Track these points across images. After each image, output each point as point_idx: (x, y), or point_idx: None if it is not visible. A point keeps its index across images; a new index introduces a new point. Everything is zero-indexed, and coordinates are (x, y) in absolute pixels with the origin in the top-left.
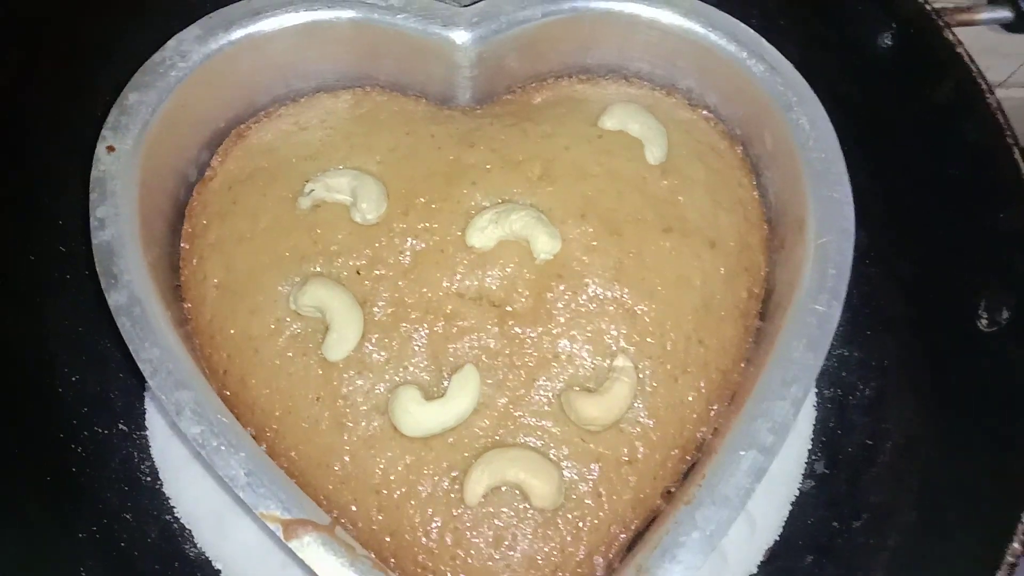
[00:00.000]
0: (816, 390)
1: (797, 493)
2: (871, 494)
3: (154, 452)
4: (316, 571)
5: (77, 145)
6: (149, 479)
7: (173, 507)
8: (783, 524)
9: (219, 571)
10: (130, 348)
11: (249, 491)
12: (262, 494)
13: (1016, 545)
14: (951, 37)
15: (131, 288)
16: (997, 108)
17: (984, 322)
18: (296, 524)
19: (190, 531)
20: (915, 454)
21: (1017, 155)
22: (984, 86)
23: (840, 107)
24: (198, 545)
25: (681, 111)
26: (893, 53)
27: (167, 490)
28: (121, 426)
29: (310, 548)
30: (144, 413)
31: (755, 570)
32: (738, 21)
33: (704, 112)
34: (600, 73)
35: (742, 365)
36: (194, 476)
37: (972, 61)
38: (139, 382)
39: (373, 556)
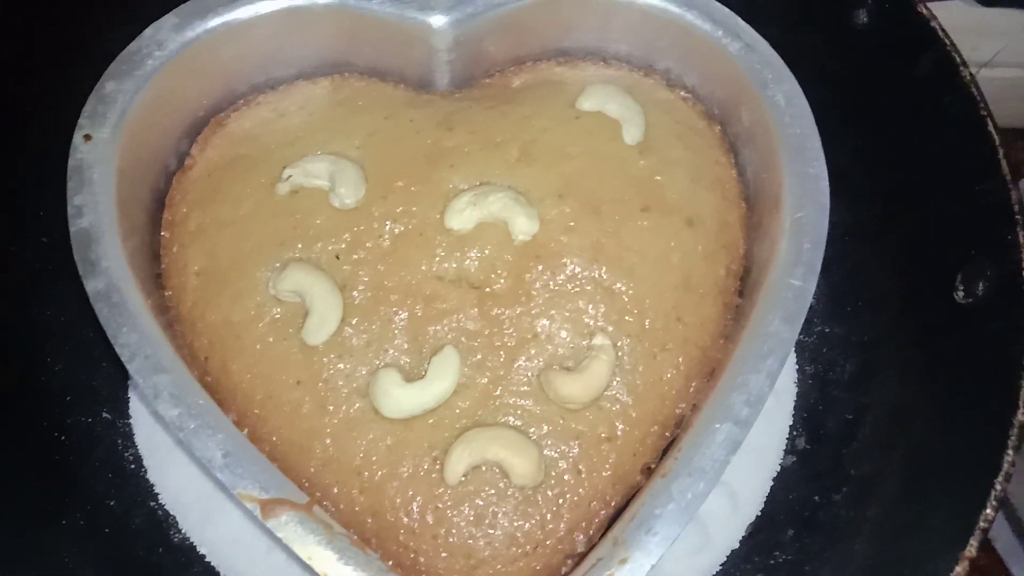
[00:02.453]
0: (797, 366)
1: (779, 468)
2: (852, 467)
3: (138, 440)
4: (294, 550)
5: (58, 136)
6: (133, 466)
7: (158, 494)
8: (765, 499)
9: (204, 556)
10: (108, 333)
11: (227, 472)
12: (240, 474)
13: (989, 511)
14: (925, 12)
15: (109, 275)
16: (971, 81)
17: (960, 294)
18: (274, 503)
19: (175, 517)
20: (896, 427)
21: (991, 127)
22: (959, 60)
23: (821, 85)
24: (183, 531)
25: (659, 92)
26: (870, 29)
27: (151, 477)
28: (105, 414)
29: (287, 527)
30: (128, 401)
31: (737, 545)
32: (714, 0)
33: (682, 93)
34: (579, 56)
35: (721, 342)
36: (178, 463)
37: (946, 35)
38: (123, 371)
39: (354, 535)
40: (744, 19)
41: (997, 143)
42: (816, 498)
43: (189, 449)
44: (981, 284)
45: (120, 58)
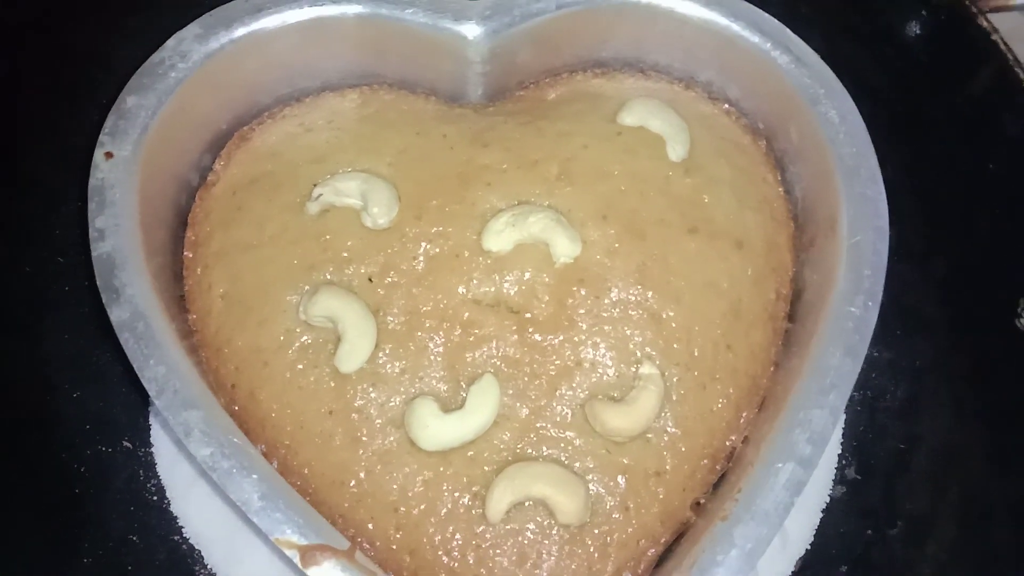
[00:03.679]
0: None
1: (828, 500)
2: (907, 502)
3: (160, 470)
4: None
5: (74, 152)
6: (155, 498)
7: (181, 527)
8: (814, 532)
9: None
10: (134, 366)
11: (264, 516)
12: (277, 519)
13: None
14: (985, 24)
15: (133, 302)
16: None
17: (1023, 321)
18: (314, 550)
19: (199, 552)
20: (952, 461)
21: None
22: (1022, 75)
23: (868, 99)
24: (208, 566)
25: (701, 105)
26: (924, 42)
27: (175, 509)
28: (125, 443)
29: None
30: (149, 429)
31: None
32: (760, 10)
33: (725, 106)
34: (616, 67)
35: (771, 369)
36: (203, 494)
37: (1009, 49)
38: (143, 398)
39: None
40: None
41: None
42: (869, 532)
43: (224, 491)
44: None
45: (141, 71)
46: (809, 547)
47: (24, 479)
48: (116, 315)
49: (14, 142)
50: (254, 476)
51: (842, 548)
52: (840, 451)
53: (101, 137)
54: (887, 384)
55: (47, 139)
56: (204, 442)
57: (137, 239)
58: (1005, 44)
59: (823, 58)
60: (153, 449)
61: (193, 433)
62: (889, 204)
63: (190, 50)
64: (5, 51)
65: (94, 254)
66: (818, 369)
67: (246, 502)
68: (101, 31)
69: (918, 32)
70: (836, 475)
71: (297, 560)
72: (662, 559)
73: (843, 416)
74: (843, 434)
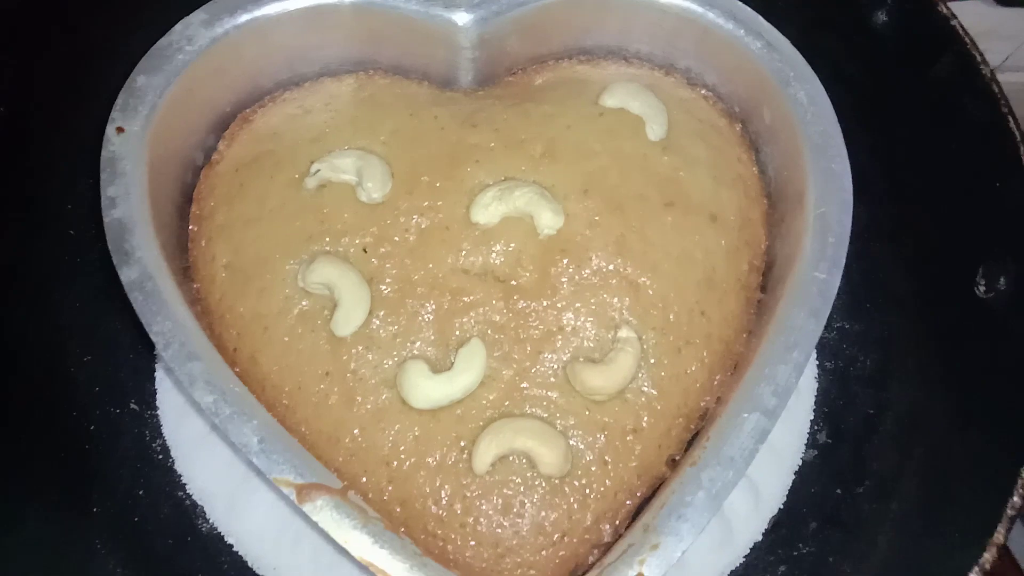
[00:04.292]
0: (817, 362)
1: (800, 463)
2: (874, 462)
3: (165, 431)
4: (330, 533)
5: (84, 130)
6: (160, 457)
7: (185, 484)
8: (786, 493)
9: (231, 546)
10: (142, 321)
11: (263, 457)
12: (275, 460)
13: (1016, 499)
14: (945, 11)
15: (143, 264)
16: (992, 80)
17: (982, 288)
18: (309, 488)
19: (202, 507)
20: (917, 423)
21: (1014, 126)
22: (979, 59)
23: (839, 85)
24: (211, 521)
25: (681, 90)
26: (889, 30)
27: (179, 468)
28: (132, 406)
29: (323, 512)
30: (155, 393)
31: (760, 538)
32: (735, 0)
33: (703, 91)
34: (600, 54)
35: (744, 336)
36: (206, 454)
37: (967, 34)
38: (149, 362)
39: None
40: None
41: (1019, 140)
42: (838, 492)
43: (225, 435)
44: (1002, 279)
45: (151, 53)
46: (782, 507)
47: (38, 436)
48: (126, 275)
49: (30, 120)
50: (254, 421)
51: (813, 507)
52: (812, 417)
53: (113, 113)
54: (857, 354)
55: (61, 118)
56: (207, 390)
57: (146, 207)
58: (963, 29)
59: (797, 46)
60: (159, 411)
61: (197, 382)
62: (859, 185)
63: (196, 34)
64: (26, 41)
65: (106, 220)
66: (783, 329)
67: (246, 445)
68: (115, 21)
69: (884, 20)
70: (808, 439)
71: (293, 497)
72: (639, 511)
73: (815, 385)
74: (815, 401)
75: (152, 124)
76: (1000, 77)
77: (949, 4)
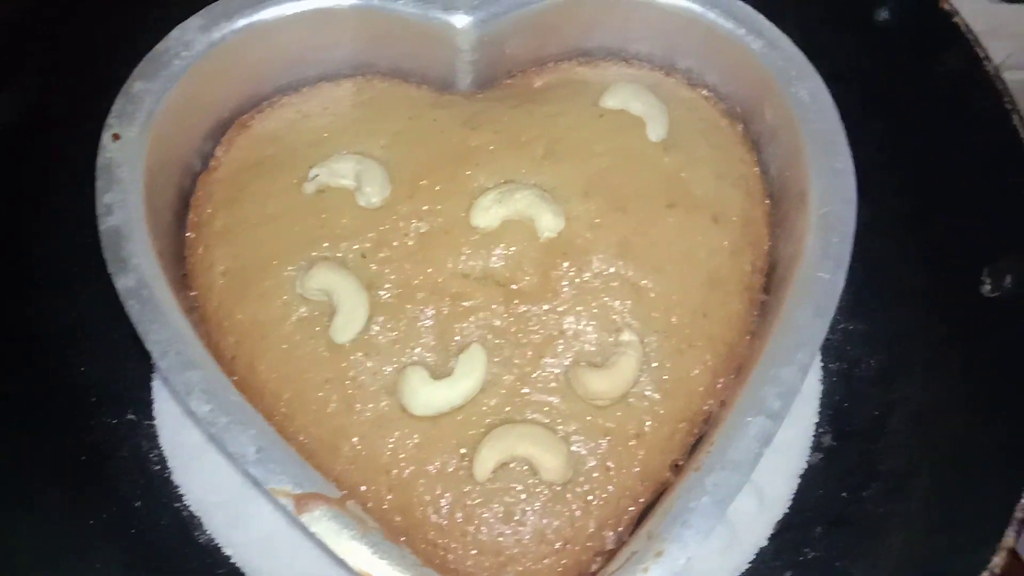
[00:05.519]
0: (822, 364)
1: (805, 466)
2: (881, 464)
3: (162, 441)
4: (328, 545)
5: (85, 137)
6: (158, 468)
7: (183, 495)
8: (792, 497)
9: (229, 557)
10: (138, 331)
11: (259, 467)
12: (272, 470)
13: None
14: (947, 7)
15: (139, 272)
16: (995, 75)
17: (987, 288)
18: (307, 498)
19: (200, 519)
20: (924, 423)
21: (1016, 121)
22: (982, 55)
23: (841, 83)
24: (208, 532)
25: (682, 90)
26: (891, 26)
27: (176, 479)
28: (130, 416)
29: (321, 522)
30: (152, 403)
31: (765, 543)
32: None
33: (704, 91)
34: (600, 56)
35: (748, 338)
36: (203, 465)
37: (969, 30)
38: (146, 372)
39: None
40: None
41: (1023, 136)
42: (844, 495)
43: (221, 445)
44: (1008, 278)
45: (148, 58)
46: (788, 511)
47: (34, 447)
48: (122, 283)
49: (27, 128)
50: (252, 431)
51: (819, 510)
52: (817, 420)
53: (109, 119)
54: (862, 354)
55: (57, 125)
56: (204, 399)
57: (143, 214)
58: (966, 25)
59: (799, 44)
60: (156, 422)
61: (194, 392)
62: (863, 183)
63: (193, 39)
64: (24, 48)
65: (101, 228)
66: (788, 329)
67: (243, 455)
68: (114, 27)
69: (885, 17)
70: (813, 442)
71: (291, 507)
72: (642, 518)
73: (820, 387)
74: (820, 404)
75: (149, 130)
76: (1003, 75)
77: (951, 0)
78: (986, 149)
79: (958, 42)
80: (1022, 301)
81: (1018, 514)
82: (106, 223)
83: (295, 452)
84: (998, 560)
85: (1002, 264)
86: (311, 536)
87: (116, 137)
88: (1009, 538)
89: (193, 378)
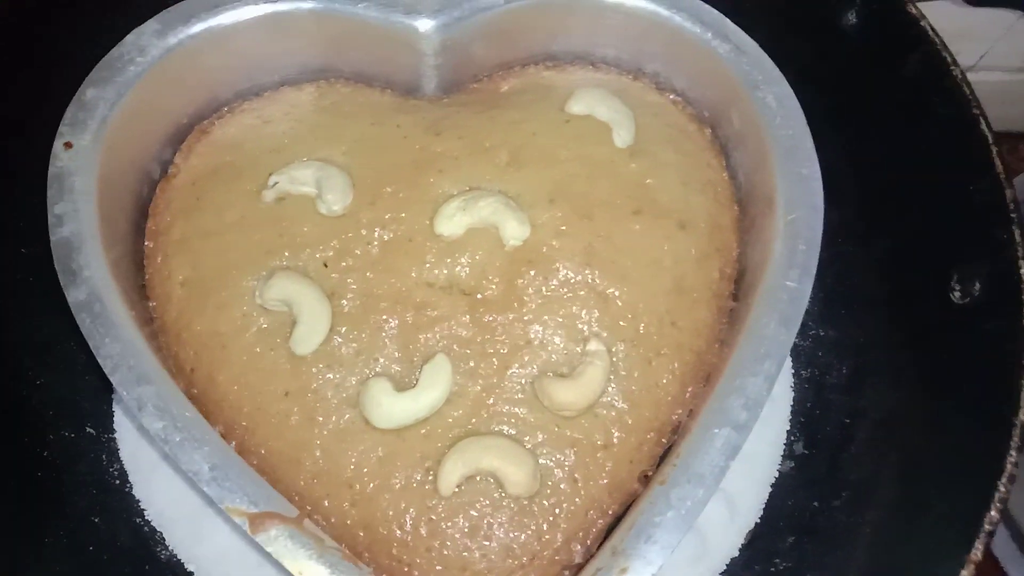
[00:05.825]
0: (792, 371)
1: (776, 475)
2: (851, 472)
3: (123, 455)
4: (284, 564)
5: (38, 146)
6: (118, 482)
7: (144, 510)
8: (763, 506)
9: (191, 573)
10: (90, 344)
11: (214, 485)
12: (227, 488)
13: (993, 513)
14: (914, 11)
15: (91, 284)
16: (963, 80)
17: (957, 295)
18: (263, 517)
19: (161, 534)
20: (893, 430)
21: (984, 126)
22: (950, 60)
23: (810, 87)
24: (170, 548)
25: (649, 95)
26: (859, 30)
27: (137, 493)
28: (89, 429)
29: (277, 541)
30: (112, 416)
31: (736, 553)
32: (702, 3)
33: (672, 96)
34: (567, 60)
35: (716, 346)
36: (165, 478)
37: (936, 34)
38: (106, 384)
39: (344, 548)
40: (732, 22)
41: (991, 141)
42: (815, 504)
43: (175, 462)
44: (977, 283)
45: (101, 64)
46: (759, 520)
47: None
48: (73, 296)
49: None
50: (206, 448)
51: (790, 520)
52: (788, 428)
53: (61, 128)
54: (832, 361)
55: (11, 134)
56: (156, 416)
57: (95, 225)
58: (933, 30)
59: (766, 49)
60: (116, 435)
61: (146, 407)
62: (831, 188)
63: (149, 44)
64: None
65: (52, 239)
66: (753, 339)
67: (197, 472)
68: (67, 26)
69: (853, 21)
70: (784, 450)
71: (246, 527)
72: (611, 530)
73: (791, 394)
74: (791, 411)
75: (103, 138)
76: (973, 77)
77: (919, 4)
78: (953, 154)
79: (925, 46)
80: (991, 307)
81: (987, 526)
82: (57, 234)
83: (252, 470)
84: (966, 574)
85: (970, 270)
86: (267, 556)
87: (68, 146)
88: (978, 551)
89: (146, 393)
